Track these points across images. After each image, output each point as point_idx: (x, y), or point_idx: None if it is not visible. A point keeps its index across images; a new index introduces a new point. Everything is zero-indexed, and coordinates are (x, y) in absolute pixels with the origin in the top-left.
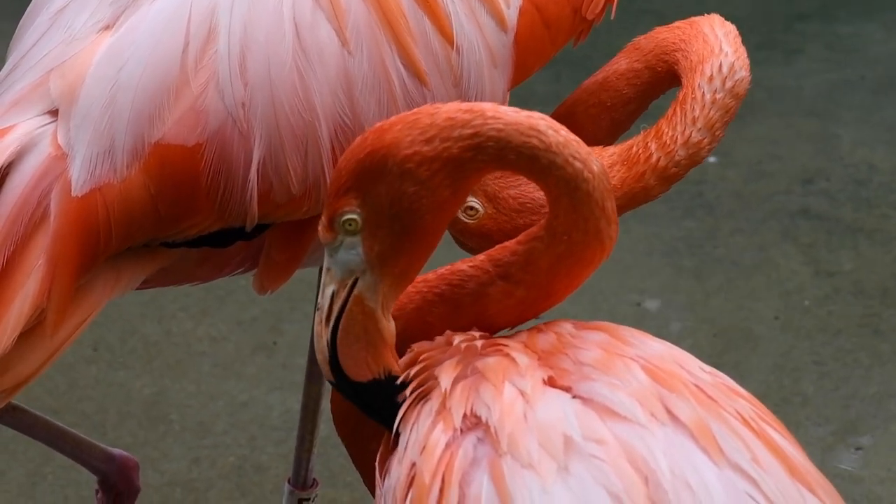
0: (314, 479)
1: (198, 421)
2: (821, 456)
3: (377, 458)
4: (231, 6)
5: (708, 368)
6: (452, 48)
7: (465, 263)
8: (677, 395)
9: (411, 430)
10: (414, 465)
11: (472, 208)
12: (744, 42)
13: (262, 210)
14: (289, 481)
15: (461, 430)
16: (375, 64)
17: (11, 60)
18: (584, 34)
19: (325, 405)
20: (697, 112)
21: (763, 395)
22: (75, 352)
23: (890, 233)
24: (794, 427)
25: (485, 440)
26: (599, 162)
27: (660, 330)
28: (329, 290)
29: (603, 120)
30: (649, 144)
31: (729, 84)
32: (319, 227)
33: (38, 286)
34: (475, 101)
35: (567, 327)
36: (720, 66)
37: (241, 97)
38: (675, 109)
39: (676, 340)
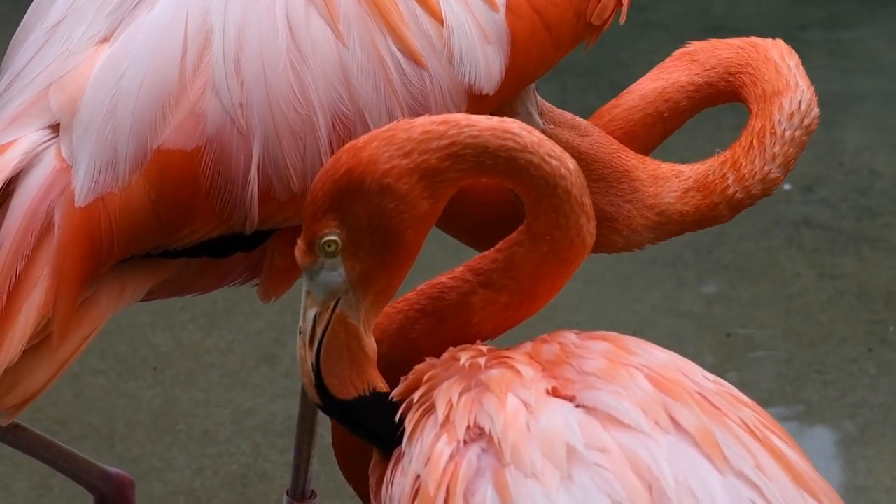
0: (313, 491)
1: (203, 429)
2: (826, 464)
3: (370, 469)
4: (224, 9)
5: (712, 377)
6: (443, 26)
7: (445, 276)
8: (681, 404)
9: (416, 443)
10: (418, 476)
11: None
12: None
13: (263, 211)
14: (287, 493)
15: (464, 442)
16: (370, 51)
17: (8, 76)
18: (593, 39)
19: (324, 415)
20: (777, 149)
21: (767, 404)
22: (81, 362)
23: (892, 241)
24: (799, 435)
25: (488, 451)
26: (574, 160)
27: (663, 338)
28: (311, 313)
29: (657, 128)
30: (727, 175)
31: (807, 122)
32: (297, 252)
33: (44, 296)
34: (472, 77)
35: (571, 337)
36: (799, 103)
37: (238, 97)
38: (751, 142)
39: (680, 349)
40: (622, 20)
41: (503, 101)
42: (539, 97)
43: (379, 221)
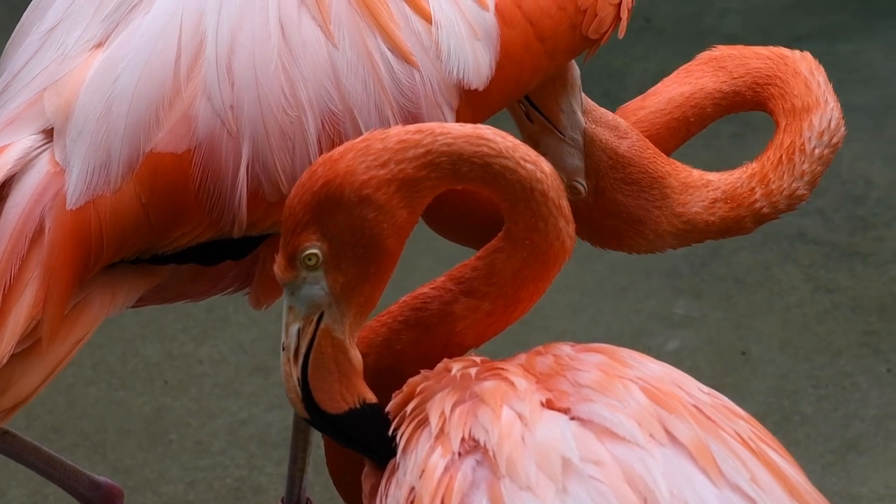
0: (308, 499)
1: (196, 440)
2: (820, 474)
3: (363, 477)
4: (218, 12)
5: (707, 389)
6: (431, 24)
7: (427, 286)
8: (676, 416)
9: (410, 455)
10: (413, 489)
11: (574, 187)
12: None
13: (252, 213)
14: (282, 501)
15: (459, 454)
16: (360, 51)
17: (3, 79)
18: (591, 52)
19: None
20: (806, 167)
21: (762, 416)
22: (75, 373)
23: (884, 255)
24: (793, 446)
25: (483, 463)
26: (549, 163)
27: (658, 351)
28: (294, 328)
29: (680, 132)
30: (755, 189)
31: (835, 140)
32: (276, 268)
33: (34, 297)
34: (461, 73)
35: (565, 349)
36: (829, 121)
37: (230, 99)
38: (780, 158)
39: (675, 362)
40: (621, 34)
41: (499, 105)
42: (584, 95)
43: (360, 232)
